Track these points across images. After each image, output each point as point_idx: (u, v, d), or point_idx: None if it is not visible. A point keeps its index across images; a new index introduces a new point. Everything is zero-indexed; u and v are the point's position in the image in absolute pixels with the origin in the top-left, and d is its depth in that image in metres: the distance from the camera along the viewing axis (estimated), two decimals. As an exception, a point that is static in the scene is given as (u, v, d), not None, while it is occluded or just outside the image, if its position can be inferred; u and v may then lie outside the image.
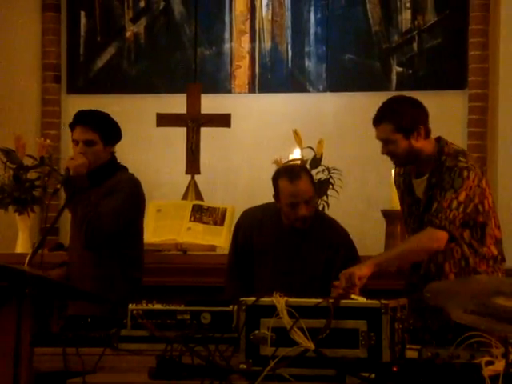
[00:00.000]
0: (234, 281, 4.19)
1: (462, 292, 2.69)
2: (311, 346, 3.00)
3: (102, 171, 4.10)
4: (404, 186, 3.86)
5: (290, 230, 4.07)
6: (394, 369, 2.93)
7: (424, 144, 3.71)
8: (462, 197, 3.62)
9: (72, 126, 4.14)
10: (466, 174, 3.65)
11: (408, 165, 3.79)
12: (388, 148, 3.71)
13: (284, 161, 5.33)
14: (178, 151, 5.81)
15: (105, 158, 4.12)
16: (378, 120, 3.72)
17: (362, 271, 3.46)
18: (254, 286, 4.11)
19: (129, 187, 4.11)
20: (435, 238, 3.60)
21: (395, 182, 3.97)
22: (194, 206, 5.38)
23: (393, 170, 4.08)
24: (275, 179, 4.07)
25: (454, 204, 3.61)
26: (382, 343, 2.99)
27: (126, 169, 4.25)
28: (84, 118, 4.12)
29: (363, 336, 3.01)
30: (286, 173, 4.04)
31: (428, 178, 3.71)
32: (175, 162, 5.91)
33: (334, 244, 4.08)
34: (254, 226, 4.16)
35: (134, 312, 3.25)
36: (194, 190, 5.60)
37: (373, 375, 2.94)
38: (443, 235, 3.60)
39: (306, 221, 4.02)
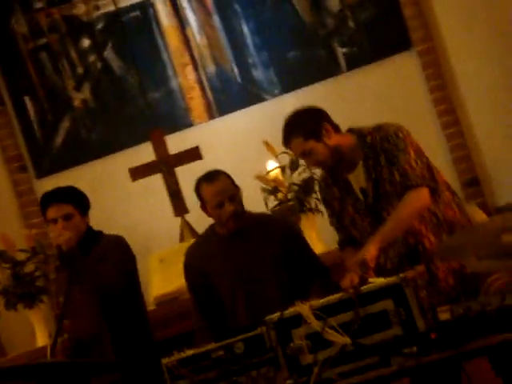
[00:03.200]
0: (201, 326, 4.18)
1: (470, 241, 2.69)
2: (347, 340, 3.00)
3: (85, 241, 4.12)
4: (340, 192, 3.83)
5: (232, 239, 4.07)
6: (432, 336, 2.94)
7: (339, 139, 3.75)
8: (412, 153, 3.68)
9: (44, 208, 4.16)
10: (400, 134, 3.70)
11: (336, 164, 3.78)
12: (310, 159, 3.76)
13: (264, 173, 5.34)
14: (162, 197, 5.81)
15: (84, 228, 4.16)
16: (286, 140, 3.78)
17: (371, 252, 3.46)
18: (227, 318, 4.10)
19: (119, 251, 4.14)
20: (418, 197, 3.62)
21: (325, 198, 3.92)
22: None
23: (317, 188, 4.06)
24: (197, 188, 4.11)
25: (412, 162, 3.66)
26: (412, 315, 2.99)
27: (103, 233, 4.27)
28: (54, 197, 4.16)
29: (393, 314, 3.02)
30: (204, 178, 4.10)
31: (364, 165, 3.72)
32: (162, 209, 5.92)
33: (280, 233, 4.10)
34: (200, 261, 4.16)
35: (169, 365, 3.24)
36: (188, 230, 5.61)
37: (414, 348, 2.95)
38: (424, 191, 3.63)
39: (238, 218, 4.01)
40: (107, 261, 4.07)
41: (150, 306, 5.07)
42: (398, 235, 3.65)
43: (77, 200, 4.16)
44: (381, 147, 3.69)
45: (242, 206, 4.11)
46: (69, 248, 4.02)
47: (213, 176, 4.06)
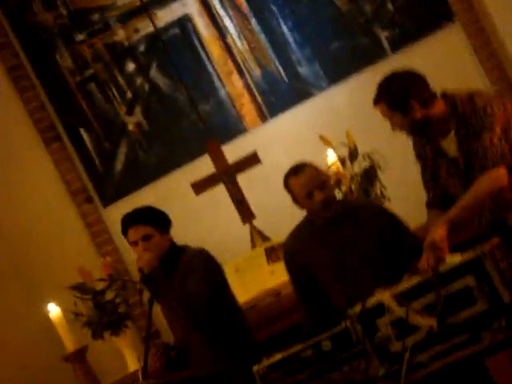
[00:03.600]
0: (308, 315, 4.17)
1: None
2: (433, 322, 2.98)
3: (169, 258, 4.15)
4: (433, 152, 3.80)
5: (327, 227, 4.05)
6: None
7: (428, 111, 3.71)
8: (498, 130, 3.60)
9: (124, 232, 4.20)
10: (489, 110, 3.63)
11: (424, 134, 3.76)
12: (394, 124, 3.74)
13: (324, 167, 5.32)
14: (227, 206, 5.83)
15: (166, 245, 4.18)
16: (375, 102, 3.76)
17: (439, 233, 3.41)
18: (331, 303, 4.07)
19: (203, 263, 4.15)
20: (495, 177, 3.56)
21: (419, 153, 3.89)
22: (265, 249, 5.39)
23: (411, 143, 4.04)
24: (285, 183, 4.09)
25: (495, 140, 3.59)
26: (496, 288, 2.96)
27: (187, 247, 4.29)
28: (131, 219, 4.18)
29: (476, 290, 2.98)
30: (290, 172, 4.08)
31: (456, 134, 3.68)
32: (229, 218, 5.93)
33: (372, 216, 4.07)
34: (298, 252, 4.15)
35: (260, 372, 3.25)
36: (258, 235, 5.62)
37: (503, 322, 2.91)
38: (501, 171, 3.56)
39: (330, 205, 3.99)
40: (192, 274, 4.08)
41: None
42: (468, 215, 3.59)
43: (154, 220, 4.16)
44: (470, 120, 3.65)
45: (333, 193, 4.11)
46: (151, 269, 4.06)
47: (298, 168, 4.04)
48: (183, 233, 5.62)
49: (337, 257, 4.01)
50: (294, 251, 4.16)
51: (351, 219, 4.03)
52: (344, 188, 5.26)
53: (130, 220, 4.17)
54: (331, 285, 4.02)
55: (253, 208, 5.71)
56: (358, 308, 3.06)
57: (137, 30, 6.47)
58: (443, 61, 6.09)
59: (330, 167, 5.26)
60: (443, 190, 3.78)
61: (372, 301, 3.06)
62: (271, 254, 5.35)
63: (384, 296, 3.02)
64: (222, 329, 4.11)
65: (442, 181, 3.79)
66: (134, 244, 4.15)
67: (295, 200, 4.07)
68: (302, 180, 3.99)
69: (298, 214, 4.20)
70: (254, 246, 5.60)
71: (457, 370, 3.09)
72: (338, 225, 4.02)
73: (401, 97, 3.67)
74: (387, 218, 4.07)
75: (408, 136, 3.87)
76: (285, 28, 6.34)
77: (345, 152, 5.45)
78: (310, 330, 3.40)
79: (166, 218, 4.24)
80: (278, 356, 3.26)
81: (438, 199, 3.81)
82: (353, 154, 5.35)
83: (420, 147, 3.87)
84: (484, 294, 2.96)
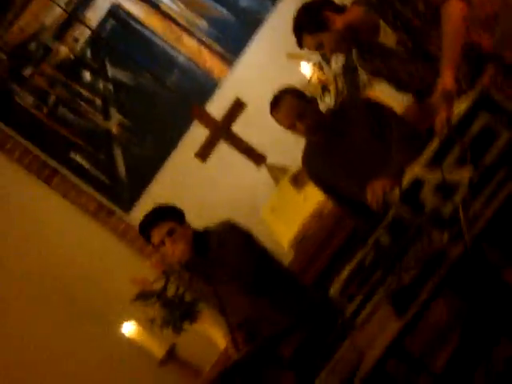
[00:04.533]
0: (355, 216, 4.20)
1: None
2: (470, 171, 2.97)
3: (199, 242, 4.19)
4: (382, 58, 3.76)
5: (328, 142, 4.06)
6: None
7: (345, 17, 3.69)
8: None
9: (148, 238, 4.21)
10: None
11: (356, 39, 3.72)
12: (327, 47, 3.71)
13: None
14: (238, 159, 5.84)
15: (189, 233, 4.21)
16: (299, 43, 3.76)
17: (447, 80, 3.36)
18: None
19: (231, 231, 4.19)
20: (452, 10, 3.52)
21: (373, 69, 3.85)
22: (289, 180, 5.41)
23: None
24: (271, 115, 4.09)
25: None
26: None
27: (208, 227, 4.32)
28: (149, 222, 4.20)
29: (494, 123, 2.97)
30: (271, 106, 4.07)
31: (384, 21, 3.63)
32: (245, 168, 5.94)
33: (365, 106, 4.07)
34: (313, 167, 4.17)
35: (336, 292, 3.26)
36: (276, 171, 5.63)
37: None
38: (453, 2, 3.53)
39: (314, 130, 4.02)
40: (227, 246, 4.12)
41: (287, 256, 5.12)
42: (459, 54, 3.53)
43: (169, 214, 4.20)
44: None
45: (316, 115, 4.08)
46: (188, 257, 4.09)
47: (276, 102, 4.05)
48: (209, 202, 5.66)
49: (345, 162, 4.04)
50: (310, 168, 4.19)
51: (344, 122, 4.04)
52: (332, 90, 5.25)
53: (148, 223, 4.20)
54: (350, 188, 4.04)
55: (260, 149, 5.72)
56: (396, 192, 3.07)
57: (76, 40, 6.42)
58: None
59: (310, 80, 5.25)
60: (413, 85, 3.75)
61: (406, 180, 3.06)
62: (296, 180, 5.36)
63: (415, 170, 3.02)
64: (274, 284, 4.16)
65: (405, 77, 3.75)
66: (161, 244, 4.17)
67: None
68: (281, 114, 4.01)
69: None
70: (277, 182, 5.62)
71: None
72: (334, 134, 4.03)
73: (312, 15, 3.65)
74: (374, 106, 4.07)
75: (355, 53, 3.84)
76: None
77: (318, 57, 5.42)
78: (365, 229, 3.42)
79: (177, 209, 4.27)
80: (346, 270, 3.27)
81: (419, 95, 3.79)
82: (325, 55, 5.31)
83: (367, 65, 3.83)
84: (503, 123, 2.94)
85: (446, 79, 3.36)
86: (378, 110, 4.06)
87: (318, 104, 4.10)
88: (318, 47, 3.73)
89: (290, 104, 4.02)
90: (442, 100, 3.31)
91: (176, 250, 4.12)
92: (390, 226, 3.15)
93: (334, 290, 3.27)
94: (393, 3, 3.61)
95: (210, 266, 4.13)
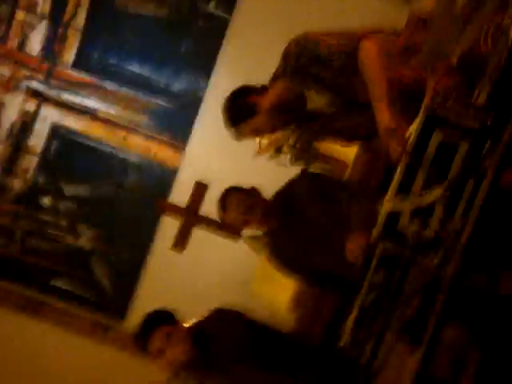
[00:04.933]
0: None
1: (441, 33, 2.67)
2: (441, 189, 2.99)
3: (197, 337, 4.11)
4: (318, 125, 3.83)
5: (279, 215, 4.14)
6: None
7: (269, 95, 3.77)
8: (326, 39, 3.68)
9: (146, 349, 4.11)
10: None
11: (286, 113, 3.80)
12: (266, 129, 3.78)
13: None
14: (217, 241, 5.84)
15: (185, 330, 4.10)
16: (235, 137, 3.86)
17: (385, 119, 3.43)
18: None
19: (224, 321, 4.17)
20: (364, 55, 3.59)
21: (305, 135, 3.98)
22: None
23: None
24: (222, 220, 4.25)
25: (332, 42, 3.65)
26: (459, 123, 2.96)
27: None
28: (142, 336, 4.09)
29: (449, 136, 2.99)
30: (219, 210, 4.19)
31: (309, 88, 3.70)
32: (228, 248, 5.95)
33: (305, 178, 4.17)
34: (279, 249, 4.27)
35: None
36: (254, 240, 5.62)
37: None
38: (364, 45, 3.58)
39: (263, 215, 4.11)
40: (223, 335, 4.10)
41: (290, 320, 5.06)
42: (386, 90, 3.60)
43: (157, 320, 4.11)
44: (299, 58, 3.67)
45: (263, 203, 4.16)
46: (192, 355, 4.03)
47: (222, 203, 4.16)
48: (202, 286, 5.55)
49: (309, 243, 4.10)
50: (281, 258, 4.27)
51: (293, 201, 4.10)
52: (286, 147, 5.26)
53: (141, 338, 4.09)
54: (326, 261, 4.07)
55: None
56: (375, 232, 3.08)
57: (26, 170, 6.43)
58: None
59: (261, 146, 5.26)
60: (358, 135, 3.80)
61: (381, 217, 3.08)
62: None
63: (386, 206, 3.04)
64: (283, 354, 4.11)
65: (348, 132, 3.81)
66: (161, 352, 4.05)
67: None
68: (230, 212, 4.10)
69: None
70: (258, 251, 5.59)
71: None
72: (288, 215, 4.09)
73: (240, 107, 3.72)
74: (316, 180, 4.14)
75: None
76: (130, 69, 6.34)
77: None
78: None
79: (164, 312, 4.18)
80: (350, 319, 3.26)
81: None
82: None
83: (307, 133, 3.91)
84: (457, 136, 2.97)
85: (383, 118, 3.42)
86: (319, 179, 4.13)
87: (260, 193, 4.16)
88: (256, 132, 3.78)
89: (236, 200, 4.10)
90: (387, 138, 3.36)
91: (178, 354, 4.06)
92: (379, 265, 3.16)
93: (344, 341, 3.25)
94: (307, 69, 3.66)
95: (215, 357, 4.08)
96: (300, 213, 4.06)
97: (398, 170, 3.06)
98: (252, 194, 4.16)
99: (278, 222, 4.10)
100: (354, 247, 3.71)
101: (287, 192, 4.18)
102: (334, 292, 4.32)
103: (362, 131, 3.77)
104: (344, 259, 3.75)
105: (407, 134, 3.23)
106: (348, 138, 3.89)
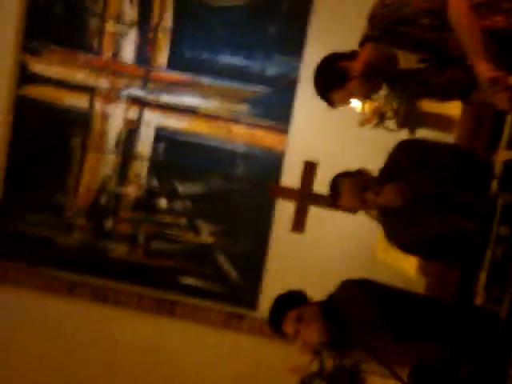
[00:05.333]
0: None
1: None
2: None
3: (329, 314, 4.11)
4: (413, 83, 3.77)
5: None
6: None
7: (359, 62, 3.71)
8: None
9: (281, 333, 4.11)
10: None
11: (379, 76, 3.74)
12: (360, 94, 3.74)
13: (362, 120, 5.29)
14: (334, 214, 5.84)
15: (317, 309, 4.10)
16: (330, 104, 3.82)
17: (483, 69, 3.34)
18: None
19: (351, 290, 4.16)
20: (454, 6, 3.50)
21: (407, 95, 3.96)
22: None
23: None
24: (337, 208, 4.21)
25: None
26: None
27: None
28: (276, 319, 4.10)
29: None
30: (332, 199, 4.15)
31: (397, 47, 3.64)
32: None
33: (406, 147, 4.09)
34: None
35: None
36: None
37: None
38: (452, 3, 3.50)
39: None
40: (351, 305, 4.09)
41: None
42: (481, 42, 3.51)
43: (289, 302, 4.13)
44: (386, 19, 3.62)
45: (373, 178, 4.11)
46: (328, 334, 4.04)
47: (335, 191, 4.14)
48: (328, 264, 5.56)
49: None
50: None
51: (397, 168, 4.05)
52: (390, 113, 5.22)
53: (275, 321, 4.10)
54: None
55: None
56: (494, 185, 3.03)
57: (138, 176, 6.57)
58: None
59: (364, 113, 5.23)
60: (454, 91, 3.73)
61: (497, 167, 3.02)
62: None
63: (501, 156, 2.98)
64: (415, 319, 4.06)
65: (444, 87, 3.74)
66: (297, 333, 4.07)
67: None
68: (346, 198, 4.07)
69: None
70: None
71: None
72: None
73: (332, 74, 3.68)
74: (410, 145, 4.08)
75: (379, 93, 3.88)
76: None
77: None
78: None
79: (295, 293, 4.19)
80: (482, 276, 3.22)
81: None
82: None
83: (402, 92, 3.85)
84: None
85: (483, 69, 3.34)
86: (416, 146, 4.06)
87: (367, 171, 4.13)
88: (350, 98, 3.75)
89: (349, 185, 4.06)
90: (491, 89, 3.28)
91: (313, 333, 4.07)
92: (502, 218, 3.10)
93: (480, 299, 3.22)
94: (395, 29, 3.60)
95: (350, 330, 4.08)
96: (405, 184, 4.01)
97: (510, 118, 2.99)
98: (360, 173, 4.14)
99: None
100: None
101: (389, 166, 4.13)
102: (456, 264, 4.23)
103: (458, 86, 3.69)
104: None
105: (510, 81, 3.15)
106: (445, 95, 3.81)
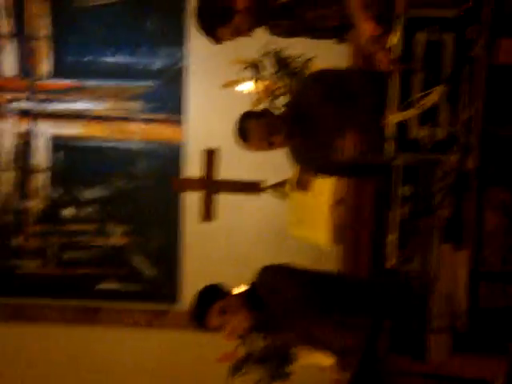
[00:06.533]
0: None
1: None
2: (441, 90, 2.97)
3: (252, 301, 4.11)
4: (282, 14, 3.79)
5: (298, 125, 4.09)
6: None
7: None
8: None
9: (205, 327, 4.10)
10: None
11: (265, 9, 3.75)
12: (245, 29, 3.77)
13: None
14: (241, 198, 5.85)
15: (240, 300, 4.09)
16: (215, 40, 3.80)
17: (365, 28, 3.37)
18: None
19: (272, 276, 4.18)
20: None
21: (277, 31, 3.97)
22: (293, 189, 5.40)
23: None
24: (246, 149, 4.14)
25: None
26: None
27: None
28: (199, 315, 4.08)
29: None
30: (241, 140, 4.07)
31: None
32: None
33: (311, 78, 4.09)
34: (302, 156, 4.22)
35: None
36: (277, 187, 5.63)
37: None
38: None
39: (287, 133, 4.01)
40: (275, 290, 4.10)
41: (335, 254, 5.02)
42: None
43: (209, 297, 4.10)
44: None
45: (281, 121, 4.06)
46: (252, 321, 4.04)
47: (243, 133, 4.07)
48: (243, 248, 5.58)
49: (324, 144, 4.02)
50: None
51: (304, 107, 4.03)
52: (281, 90, 5.23)
53: (198, 317, 4.08)
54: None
55: (252, 177, 5.73)
56: (389, 148, 3.07)
57: (37, 189, 6.46)
58: None
59: (257, 95, 5.23)
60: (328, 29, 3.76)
61: (390, 129, 3.05)
62: (300, 185, 5.34)
63: (394, 118, 3.02)
64: (339, 295, 4.08)
65: (319, 25, 3.78)
66: (222, 326, 4.07)
67: None
68: (254, 140, 4.01)
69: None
70: (284, 197, 5.61)
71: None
72: (303, 121, 4.03)
73: (215, 10, 3.67)
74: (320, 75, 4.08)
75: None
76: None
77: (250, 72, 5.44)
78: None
79: (214, 286, 4.15)
80: (390, 239, 3.27)
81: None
82: (254, 67, 5.32)
83: (278, 29, 3.86)
84: (438, 31, 2.95)
85: (367, 27, 3.38)
86: (326, 74, 4.05)
87: (272, 112, 4.10)
88: (235, 33, 3.74)
89: (257, 127, 4.02)
90: (373, 46, 3.32)
91: (237, 323, 4.07)
92: (405, 177, 3.15)
93: (391, 262, 3.26)
94: None
95: (275, 315, 4.10)
96: (311, 117, 3.98)
97: (393, 80, 3.03)
98: (266, 114, 4.10)
99: (299, 132, 4.01)
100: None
101: (295, 99, 4.11)
102: (370, 177, 4.24)
103: (335, 22, 3.72)
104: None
105: (388, 45, 3.20)
106: (318, 32, 3.82)
